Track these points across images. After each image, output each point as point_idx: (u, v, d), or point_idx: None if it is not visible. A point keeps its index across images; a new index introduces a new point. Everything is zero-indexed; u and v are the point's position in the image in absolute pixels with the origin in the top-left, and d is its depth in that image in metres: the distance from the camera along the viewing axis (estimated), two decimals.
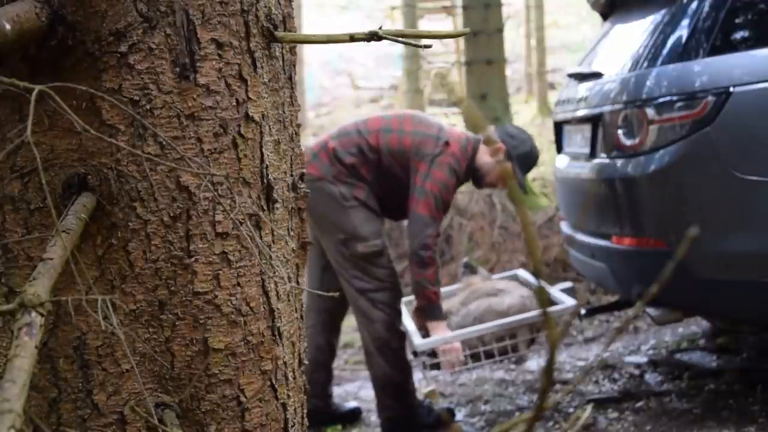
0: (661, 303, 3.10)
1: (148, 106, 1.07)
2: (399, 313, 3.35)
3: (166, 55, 1.07)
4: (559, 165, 3.84)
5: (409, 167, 3.21)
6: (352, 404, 3.77)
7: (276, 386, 1.20)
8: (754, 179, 2.78)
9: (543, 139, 12.22)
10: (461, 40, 11.20)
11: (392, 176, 3.24)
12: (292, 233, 1.27)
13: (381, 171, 3.24)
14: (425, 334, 3.58)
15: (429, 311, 3.29)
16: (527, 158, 3.36)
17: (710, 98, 2.81)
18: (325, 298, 3.38)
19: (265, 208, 1.18)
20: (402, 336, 3.36)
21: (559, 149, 3.97)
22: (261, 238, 1.17)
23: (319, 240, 3.32)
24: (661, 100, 2.90)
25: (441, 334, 3.26)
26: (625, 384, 3.66)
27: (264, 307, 1.17)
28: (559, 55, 18.53)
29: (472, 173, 3.32)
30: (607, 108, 3.14)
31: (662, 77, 2.93)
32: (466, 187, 7.48)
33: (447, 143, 3.21)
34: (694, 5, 3.00)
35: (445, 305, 3.89)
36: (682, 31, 2.99)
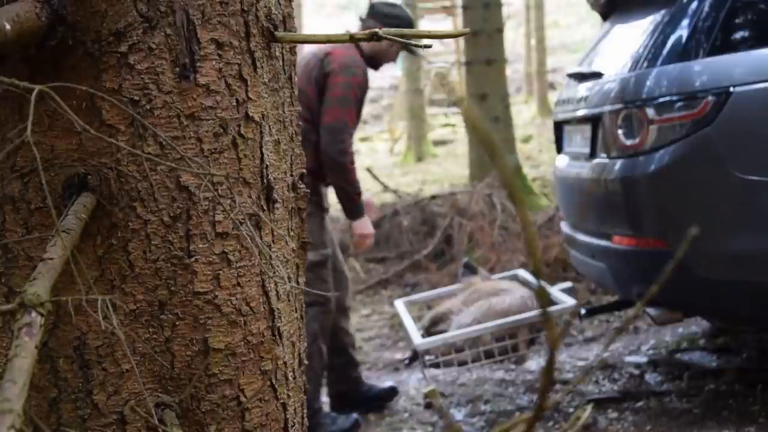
0: (661, 303, 3.10)
1: (148, 106, 1.07)
2: (324, 329, 3.31)
3: (166, 55, 1.07)
4: (559, 165, 3.84)
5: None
6: (387, 384, 3.77)
7: (276, 386, 1.20)
8: (754, 179, 2.78)
9: (543, 139, 12.24)
10: (461, 40, 11.22)
11: None
12: (292, 233, 1.27)
13: (317, 128, 3.25)
14: (425, 334, 3.58)
15: (355, 211, 3.34)
16: (409, 26, 3.42)
17: (710, 98, 2.81)
18: None
19: (265, 208, 1.18)
20: (322, 354, 3.32)
21: (559, 149, 3.97)
22: (261, 238, 1.17)
23: None
24: (661, 100, 2.90)
25: (365, 222, 3.37)
26: (625, 384, 3.66)
27: (264, 307, 1.17)
28: (559, 55, 18.54)
29: (367, 62, 3.36)
30: (607, 108, 3.14)
31: (662, 77, 2.93)
32: (467, 187, 7.50)
33: (327, 53, 3.26)
34: (694, 5, 3.00)
35: (446, 305, 3.90)
36: (682, 31, 2.99)
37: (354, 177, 3.26)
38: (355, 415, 3.44)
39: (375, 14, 3.42)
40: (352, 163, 3.24)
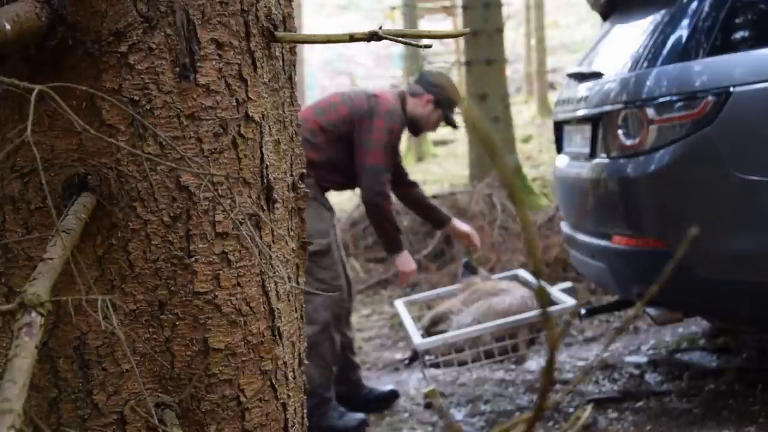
0: (662, 303, 3.10)
1: (148, 106, 1.07)
2: (337, 318, 3.38)
3: (166, 55, 1.07)
4: (559, 165, 3.84)
5: (354, 128, 3.41)
6: (388, 387, 3.82)
7: (276, 386, 1.20)
8: (754, 179, 2.78)
9: (543, 139, 12.24)
10: (461, 40, 11.21)
11: (344, 145, 3.41)
12: (292, 233, 1.27)
13: (331, 147, 3.40)
14: (425, 334, 3.58)
15: (393, 247, 3.55)
16: (452, 101, 3.64)
17: (710, 98, 2.81)
18: None
19: (265, 208, 1.18)
20: (333, 342, 3.37)
21: (559, 149, 3.97)
22: (261, 238, 1.17)
23: None
24: (661, 100, 2.90)
25: (405, 258, 3.58)
26: (625, 384, 3.66)
27: (264, 307, 1.17)
28: (559, 55, 18.54)
29: (408, 123, 3.57)
30: (607, 108, 3.14)
31: (662, 77, 2.93)
32: (467, 187, 7.49)
33: (376, 95, 3.44)
34: (694, 5, 3.00)
35: (446, 305, 3.89)
36: (682, 31, 2.99)
37: (391, 215, 3.44)
38: (362, 415, 3.47)
39: (422, 81, 3.64)
40: (390, 203, 3.41)
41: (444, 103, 3.58)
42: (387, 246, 3.60)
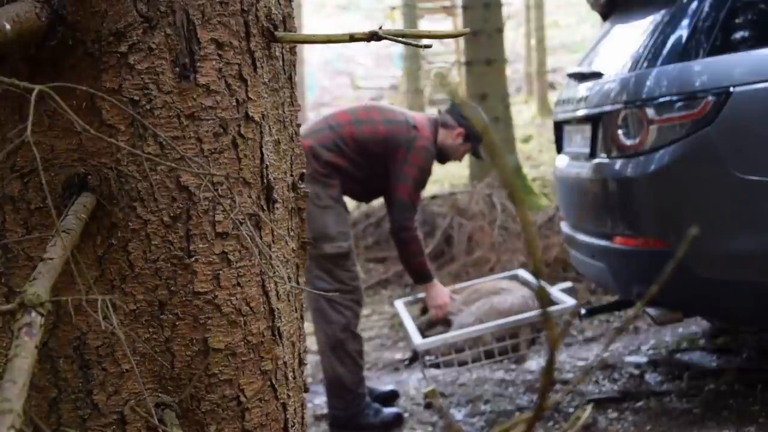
0: (662, 303, 3.10)
1: (148, 106, 1.07)
2: (357, 317, 3.45)
3: (166, 55, 1.07)
4: (559, 165, 3.84)
5: (386, 152, 3.41)
6: (388, 387, 3.87)
7: (276, 386, 1.20)
8: (754, 179, 2.78)
9: (543, 139, 12.23)
10: (461, 40, 11.21)
11: (370, 161, 3.42)
12: (292, 233, 1.27)
13: (358, 158, 3.41)
14: (425, 334, 3.58)
15: (420, 277, 3.62)
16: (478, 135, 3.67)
17: (710, 98, 2.81)
18: None
19: (265, 208, 1.18)
20: (358, 340, 3.45)
21: (559, 149, 3.97)
22: (261, 238, 1.17)
23: None
24: (661, 100, 2.90)
25: (434, 291, 3.63)
26: (625, 384, 3.66)
27: (264, 307, 1.17)
28: (559, 55, 18.53)
29: (436, 152, 3.58)
30: (607, 108, 3.14)
31: (662, 77, 2.93)
32: (467, 187, 7.49)
33: (416, 127, 3.44)
34: (694, 5, 3.00)
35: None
36: (682, 31, 2.99)
37: (413, 248, 3.50)
38: (397, 409, 3.55)
39: (453, 113, 3.65)
40: (412, 236, 3.47)
41: (474, 137, 3.62)
42: (412, 275, 3.67)
